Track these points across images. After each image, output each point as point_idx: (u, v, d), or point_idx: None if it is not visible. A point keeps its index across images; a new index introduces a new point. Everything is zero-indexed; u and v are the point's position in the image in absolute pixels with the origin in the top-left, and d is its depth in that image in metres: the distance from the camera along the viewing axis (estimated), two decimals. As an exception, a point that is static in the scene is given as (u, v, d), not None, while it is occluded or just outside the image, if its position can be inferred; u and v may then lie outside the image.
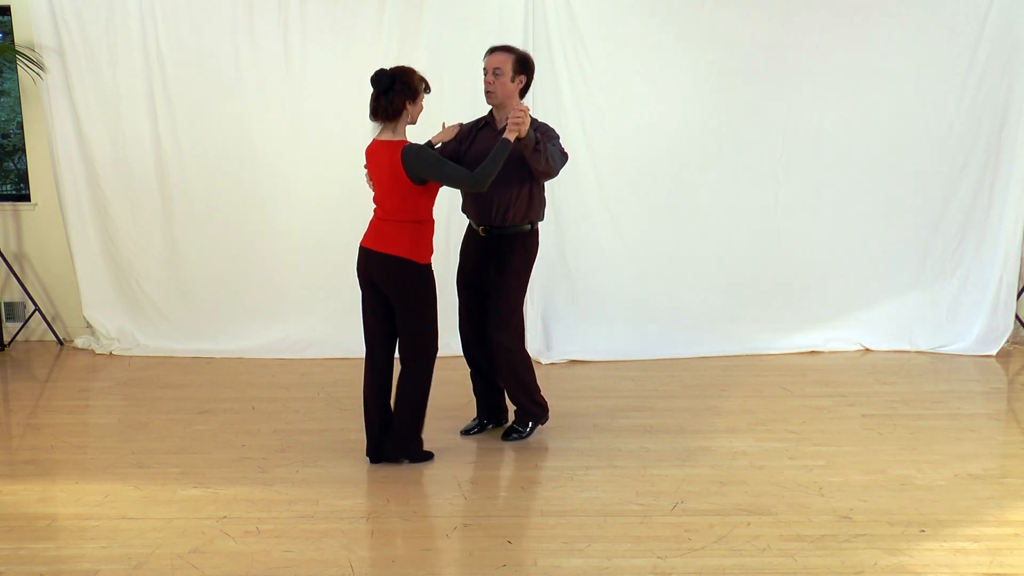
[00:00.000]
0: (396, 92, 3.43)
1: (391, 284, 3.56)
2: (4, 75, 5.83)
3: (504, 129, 3.56)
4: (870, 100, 5.45)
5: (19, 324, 5.99)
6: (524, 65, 3.81)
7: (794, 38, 5.38)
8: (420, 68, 5.30)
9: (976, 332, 5.59)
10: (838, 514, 3.21)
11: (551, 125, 3.88)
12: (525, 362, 3.97)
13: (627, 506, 3.30)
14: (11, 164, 6.00)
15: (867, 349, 5.67)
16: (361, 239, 3.64)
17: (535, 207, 3.87)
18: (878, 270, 5.65)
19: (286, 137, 5.50)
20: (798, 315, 5.66)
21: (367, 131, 5.70)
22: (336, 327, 5.62)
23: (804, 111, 5.47)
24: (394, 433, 3.71)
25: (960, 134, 5.48)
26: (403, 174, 3.43)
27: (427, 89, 3.55)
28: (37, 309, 5.91)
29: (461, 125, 3.98)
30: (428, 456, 3.79)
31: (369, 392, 3.71)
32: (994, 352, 5.53)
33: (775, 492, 3.41)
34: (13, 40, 5.60)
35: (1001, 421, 4.33)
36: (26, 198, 5.93)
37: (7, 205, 5.92)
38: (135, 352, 5.66)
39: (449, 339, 5.63)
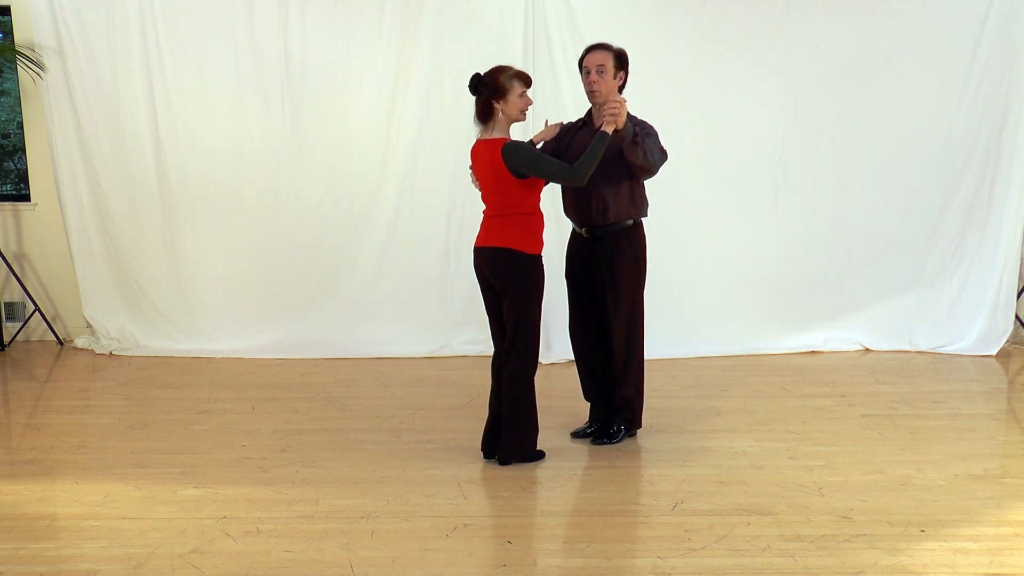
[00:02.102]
0: (482, 94, 3.50)
1: (500, 275, 3.57)
2: (4, 75, 5.83)
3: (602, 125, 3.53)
4: (870, 100, 5.45)
5: (19, 324, 5.99)
6: (623, 61, 3.76)
7: (794, 39, 5.38)
8: (420, 68, 5.40)
9: (976, 332, 5.59)
10: (838, 514, 3.20)
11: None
12: (640, 360, 3.93)
13: (627, 506, 3.30)
14: (11, 164, 6.01)
15: (867, 349, 5.67)
16: (475, 241, 3.69)
17: (637, 202, 3.82)
18: (878, 270, 5.65)
19: (286, 137, 5.50)
20: (798, 315, 5.66)
21: (367, 131, 5.73)
22: (336, 327, 5.62)
23: (804, 111, 5.47)
24: (502, 434, 3.71)
25: (960, 134, 5.48)
26: (505, 170, 3.48)
27: (527, 83, 3.53)
28: (37, 309, 5.91)
29: (562, 124, 3.96)
30: (539, 455, 3.77)
31: (493, 389, 3.77)
32: (994, 352, 5.53)
33: (775, 492, 3.41)
34: (13, 40, 5.60)
35: (1001, 421, 4.33)
36: (26, 198, 5.94)
37: (7, 205, 5.92)
38: (135, 352, 5.66)
39: (449, 339, 5.68)
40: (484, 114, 3.53)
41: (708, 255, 5.60)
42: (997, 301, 5.56)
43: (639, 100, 5.42)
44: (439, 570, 2.83)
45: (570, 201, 3.89)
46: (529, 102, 3.55)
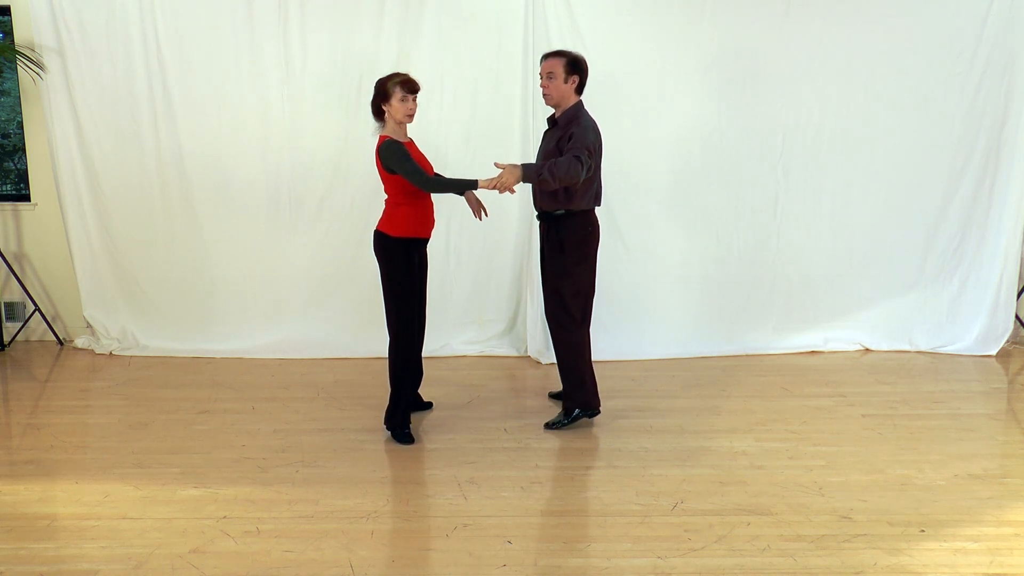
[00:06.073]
0: (374, 97, 3.97)
1: (375, 254, 4.02)
2: (4, 75, 5.83)
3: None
4: (870, 100, 5.45)
5: (19, 324, 5.99)
6: (576, 66, 4.05)
7: (794, 39, 5.38)
8: (420, 68, 5.42)
9: (976, 332, 5.59)
10: (838, 514, 3.21)
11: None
12: (574, 346, 4.14)
13: (627, 506, 3.30)
14: (11, 164, 6.00)
15: (867, 349, 5.67)
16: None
17: (561, 194, 3.99)
18: (878, 270, 5.65)
19: (286, 137, 5.50)
20: (798, 315, 5.66)
21: (367, 131, 5.72)
22: (336, 327, 5.62)
23: (804, 111, 5.47)
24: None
25: (960, 134, 5.47)
26: (380, 162, 3.90)
27: (410, 89, 3.90)
28: (37, 309, 5.91)
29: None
30: (404, 438, 4.04)
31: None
32: (994, 352, 5.53)
33: (775, 492, 3.41)
34: (13, 40, 5.60)
35: (1001, 421, 4.33)
36: (26, 198, 5.93)
37: (7, 205, 5.92)
38: (135, 352, 5.66)
39: (449, 339, 5.69)
40: (376, 114, 3.97)
41: (708, 255, 5.60)
42: (997, 301, 5.56)
43: (638, 101, 5.46)
44: (439, 570, 2.83)
45: None
46: (410, 108, 3.90)
